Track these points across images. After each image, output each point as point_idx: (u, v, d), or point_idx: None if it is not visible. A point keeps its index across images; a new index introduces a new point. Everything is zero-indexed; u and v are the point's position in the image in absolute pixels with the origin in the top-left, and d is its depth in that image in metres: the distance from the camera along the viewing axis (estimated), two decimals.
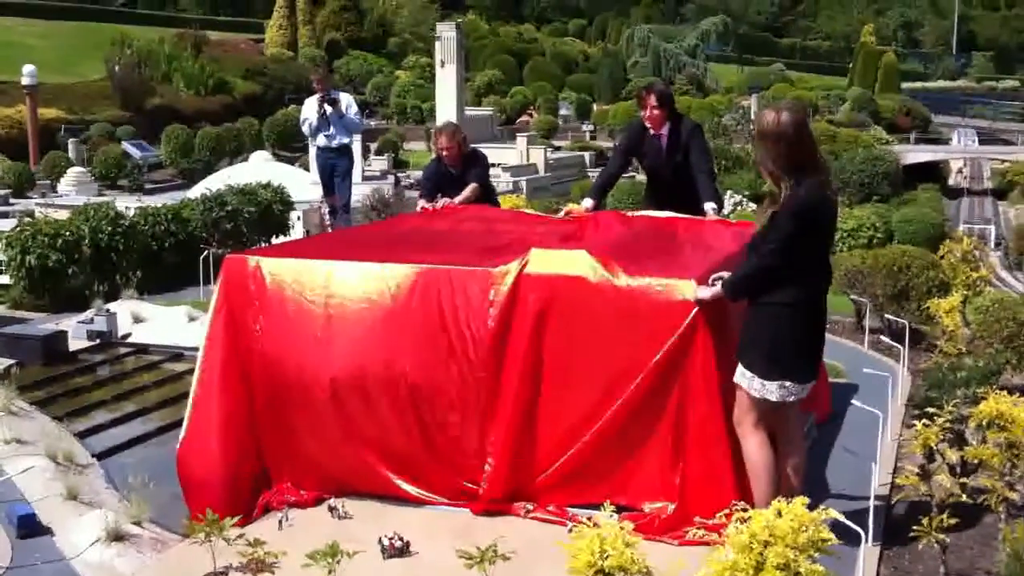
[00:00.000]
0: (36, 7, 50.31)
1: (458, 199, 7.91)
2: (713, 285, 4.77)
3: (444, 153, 8.16)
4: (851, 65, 61.66)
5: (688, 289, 4.82)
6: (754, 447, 4.65)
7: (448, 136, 8.14)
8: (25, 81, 29.49)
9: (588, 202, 7.37)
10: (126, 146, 31.29)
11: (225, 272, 5.58)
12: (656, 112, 7.02)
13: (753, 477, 4.66)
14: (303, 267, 5.48)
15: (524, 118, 44.30)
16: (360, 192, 16.35)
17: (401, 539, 4.73)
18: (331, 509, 5.20)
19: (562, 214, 7.53)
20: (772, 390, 4.56)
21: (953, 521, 4.54)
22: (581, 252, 5.21)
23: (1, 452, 5.99)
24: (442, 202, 7.93)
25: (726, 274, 4.77)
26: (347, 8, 52.22)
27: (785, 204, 4.45)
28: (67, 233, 10.79)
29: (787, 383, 4.56)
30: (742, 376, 4.63)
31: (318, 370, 5.32)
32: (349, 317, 5.32)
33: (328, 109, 11.68)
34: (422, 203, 8.20)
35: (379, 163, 31.72)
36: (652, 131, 7.17)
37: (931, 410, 5.12)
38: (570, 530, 4.45)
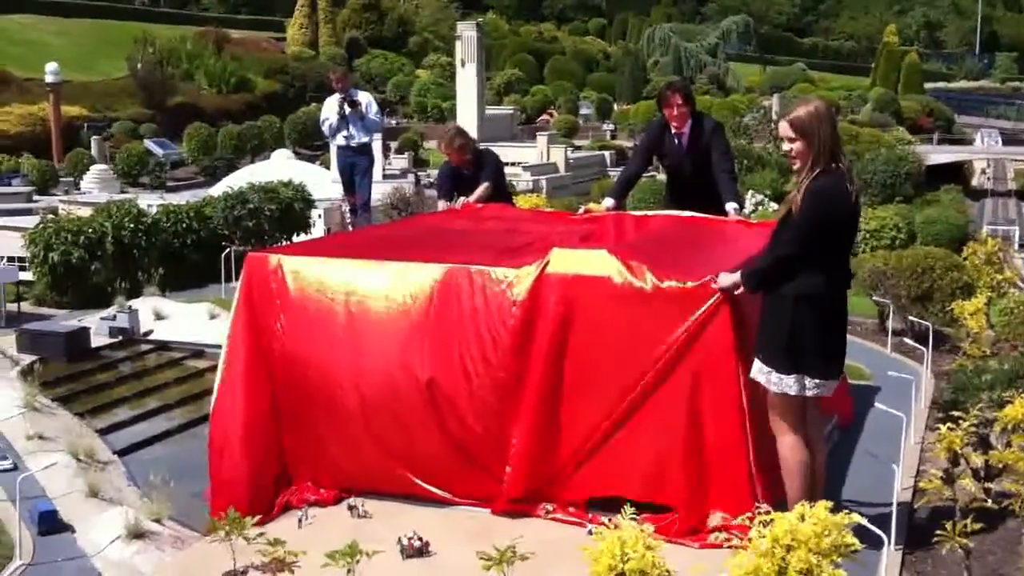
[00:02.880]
0: (56, 5, 50.52)
1: (471, 199, 7.96)
2: (732, 274, 4.76)
3: (448, 158, 8.36)
4: (873, 65, 61.31)
5: (709, 289, 4.80)
6: (787, 448, 4.63)
7: (446, 144, 8.33)
8: (48, 79, 29.65)
9: (609, 201, 7.35)
10: (148, 144, 31.41)
11: (247, 270, 5.60)
12: (683, 110, 7.02)
13: (786, 477, 4.64)
14: (324, 265, 5.49)
15: (544, 117, 44.23)
16: (380, 191, 16.34)
17: (420, 539, 4.72)
18: (351, 508, 5.20)
19: (580, 212, 7.50)
20: (790, 384, 4.53)
21: (977, 526, 4.49)
22: (602, 252, 5.20)
23: (24, 448, 6.03)
24: (461, 201, 7.98)
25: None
26: (368, 7, 52.27)
27: (806, 195, 4.45)
28: (90, 230, 10.84)
29: (804, 377, 4.53)
30: (759, 372, 4.61)
31: (339, 369, 5.32)
32: (370, 316, 5.32)
33: (348, 109, 11.70)
34: (441, 203, 8.30)
35: (399, 162, 31.70)
36: (674, 129, 7.14)
37: (955, 413, 5.08)
38: (590, 532, 4.43)
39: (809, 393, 4.57)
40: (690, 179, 7.23)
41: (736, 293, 4.73)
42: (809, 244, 4.46)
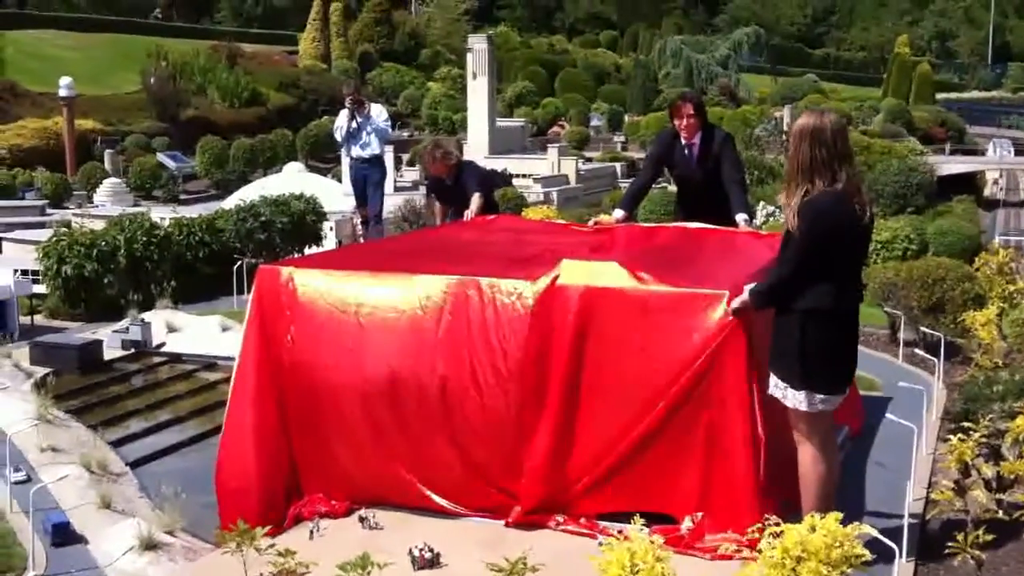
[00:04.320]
0: (70, 20, 50.90)
1: (471, 212, 8.36)
2: (742, 295, 4.76)
3: (435, 172, 9.11)
4: (885, 76, 61.20)
5: (721, 301, 4.80)
6: (808, 460, 4.63)
7: (430, 160, 9.09)
8: (62, 93, 29.84)
9: (619, 212, 7.35)
10: (161, 157, 31.56)
11: (258, 283, 5.62)
12: (692, 121, 7.04)
13: (803, 490, 4.64)
14: (335, 278, 5.50)
15: (555, 129, 44.26)
16: (392, 203, 16.40)
17: (431, 550, 4.73)
18: (362, 520, 5.21)
19: (591, 224, 7.52)
20: (800, 399, 4.54)
21: (989, 537, 4.48)
22: (612, 263, 5.21)
23: (37, 460, 6.06)
24: (468, 214, 8.22)
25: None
26: (379, 21, 52.47)
27: (801, 210, 4.45)
28: (103, 243, 10.91)
29: (815, 393, 4.53)
30: (775, 387, 4.62)
31: (349, 381, 5.33)
32: (380, 328, 5.33)
33: (358, 118, 11.77)
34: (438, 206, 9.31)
35: (411, 174, 31.76)
36: (684, 140, 7.15)
37: (967, 424, 5.07)
38: (600, 543, 4.43)
39: (818, 408, 4.57)
40: (700, 190, 7.23)
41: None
42: (809, 260, 4.46)
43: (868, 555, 3.56)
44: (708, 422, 4.83)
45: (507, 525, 5.11)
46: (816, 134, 4.45)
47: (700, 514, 4.84)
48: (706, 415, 4.83)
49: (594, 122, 46.44)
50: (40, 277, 11.22)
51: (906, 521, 4.61)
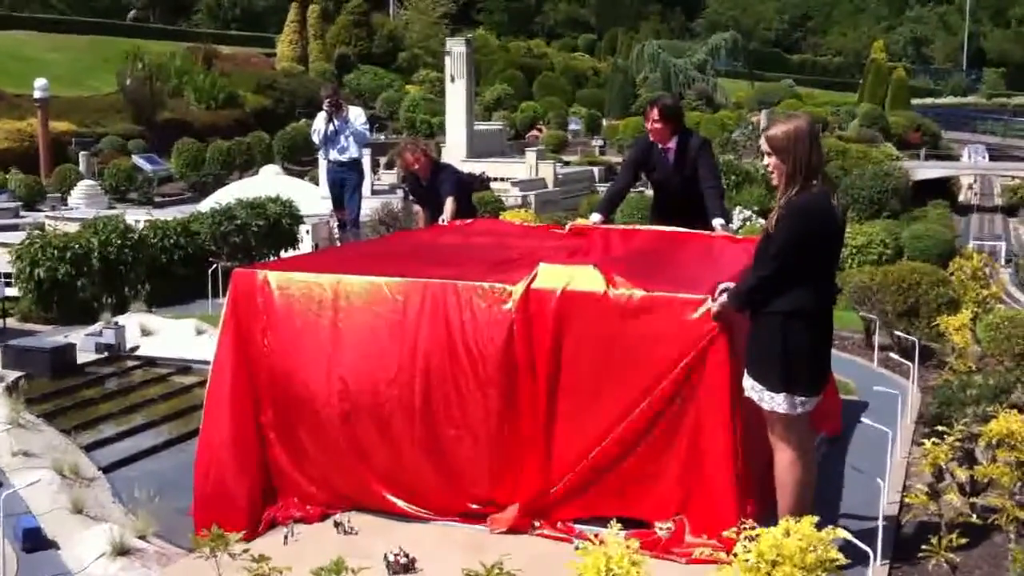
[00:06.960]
0: (49, 21, 50.68)
1: (446, 216, 8.39)
2: (719, 297, 4.75)
3: (415, 171, 9.05)
4: (861, 81, 61.71)
5: (699, 305, 4.80)
6: (785, 464, 4.63)
7: (411, 159, 9.02)
8: (37, 94, 29.67)
9: (596, 216, 7.36)
10: (137, 159, 31.40)
11: (233, 286, 5.59)
12: (658, 126, 7.04)
13: (779, 494, 4.64)
14: (311, 281, 5.47)
15: (533, 133, 44.35)
16: (369, 206, 16.37)
17: (407, 555, 4.71)
18: (337, 524, 5.18)
19: (567, 229, 7.52)
20: (779, 401, 4.54)
21: (962, 541, 4.50)
22: (589, 267, 5.20)
23: (8, 465, 6.00)
24: (444, 218, 8.23)
25: (731, 285, 4.75)
26: (358, 23, 52.45)
27: (783, 212, 4.46)
28: (76, 246, 10.82)
29: (795, 396, 4.54)
30: (751, 389, 4.61)
31: (325, 385, 5.31)
32: (356, 332, 5.31)
33: (336, 121, 11.71)
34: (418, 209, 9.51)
35: (388, 177, 31.73)
36: (660, 145, 7.17)
37: (941, 428, 5.10)
38: (576, 547, 4.42)
39: (798, 410, 4.57)
40: (677, 194, 7.25)
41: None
42: (790, 261, 4.47)
43: (843, 559, 3.56)
44: (687, 428, 4.83)
45: (490, 532, 5.09)
46: (814, 137, 4.48)
47: (677, 518, 4.84)
48: (685, 420, 4.83)
49: (572, 126, 46.58)
50: (13, 280, 11.12)
51: (880, 524, 4.63)
